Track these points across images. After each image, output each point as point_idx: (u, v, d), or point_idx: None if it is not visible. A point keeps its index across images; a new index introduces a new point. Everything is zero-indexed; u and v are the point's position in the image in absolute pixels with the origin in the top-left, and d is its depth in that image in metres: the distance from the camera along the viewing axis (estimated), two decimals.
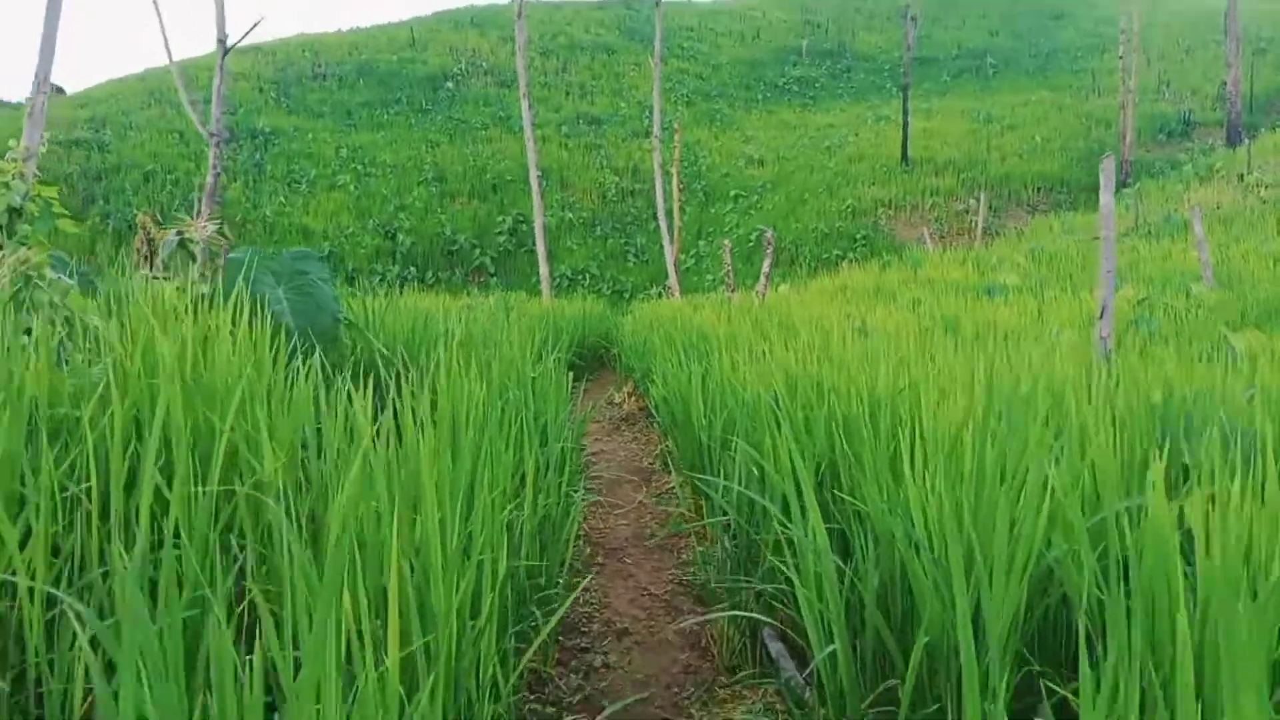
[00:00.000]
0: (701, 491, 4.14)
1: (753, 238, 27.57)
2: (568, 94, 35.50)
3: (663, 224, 17.43)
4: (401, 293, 23.19)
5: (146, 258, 16.25)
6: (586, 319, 11.62)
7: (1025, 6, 44.05)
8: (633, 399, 8.02)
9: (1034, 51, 38.96)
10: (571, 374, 10.71)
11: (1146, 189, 21.19)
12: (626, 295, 26.06)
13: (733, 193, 29.92)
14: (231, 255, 3.87)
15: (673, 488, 5.03)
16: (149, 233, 16.33)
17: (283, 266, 3.89)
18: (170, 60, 11.39)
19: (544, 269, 15.67)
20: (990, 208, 28.73)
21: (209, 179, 10.55)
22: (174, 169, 28.89)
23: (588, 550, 3.95)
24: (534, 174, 16.08)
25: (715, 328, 6.91)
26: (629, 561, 3.85)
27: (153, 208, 27.52)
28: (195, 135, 30.71)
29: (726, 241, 11.90)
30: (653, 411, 5.69)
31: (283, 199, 28.58)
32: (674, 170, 23.82)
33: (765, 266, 11.59)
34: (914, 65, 32.91)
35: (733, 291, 11.64)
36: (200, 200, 10.52)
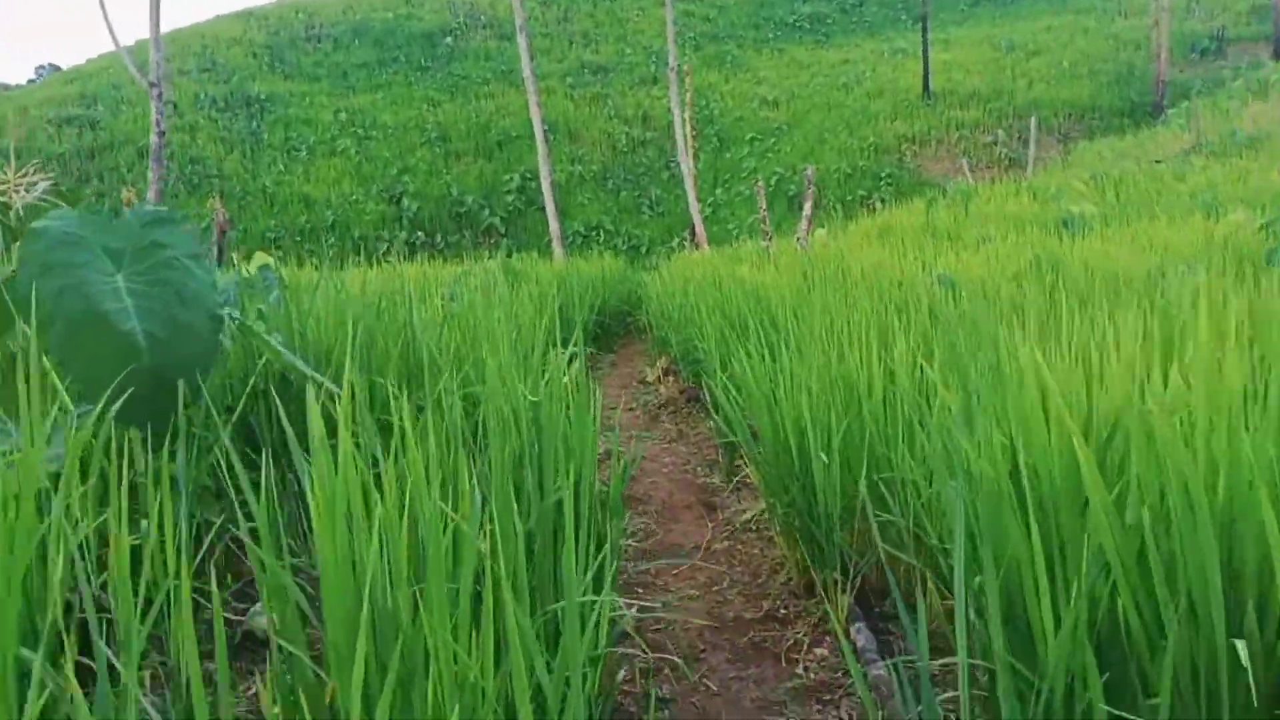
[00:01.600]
0: (817, 544, 2.63)
1: (773, 181, 25.81)
2: (570, 43, 33.58)
3: (685, 167, 15.78)
4: (412, 259, 21.69)
5: None
6: (606, 281, 10.03)
7: None
8: (671, 380, 6.47)
9: None
10: (593, 345, 9.17)
11: (1196, 108, 19.30)
12: (644, 249, 24.45)
13: (748, 136, 28.12)
14: (39, 223, 2.32)
15: (749, 520, 3.53)
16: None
17: (126, 238, 2.34)
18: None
19: (554, 226, 14.06)
20: (1020, 137, 26.84)
21: (153, 138, 8.98)
22: (169, 142, 27.20)
23: (635, 668, 2.42)
24: (537, 124, 14.42)
25: (773, 288, 5.34)
26: (712, 684, 2.34)
27: (147, 184, 25.96)
28: (190, 106, 29.18)
29: (759, 182, 10.28)
30: (710, 408, 4.18)
31: (282, 168, 26.99)
32: (686, 115, 22.12)
33: (807, 209, 9.98)
34: None
35: (769, 239, 10.04)
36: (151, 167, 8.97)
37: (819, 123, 27.82)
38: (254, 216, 25.30)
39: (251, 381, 2.48)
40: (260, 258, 5.34)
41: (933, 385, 2.55)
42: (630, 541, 3.38)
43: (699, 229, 15.16)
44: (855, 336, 3.09)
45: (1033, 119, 20.79)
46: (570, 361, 2.70)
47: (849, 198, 24.78)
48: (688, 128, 21.19)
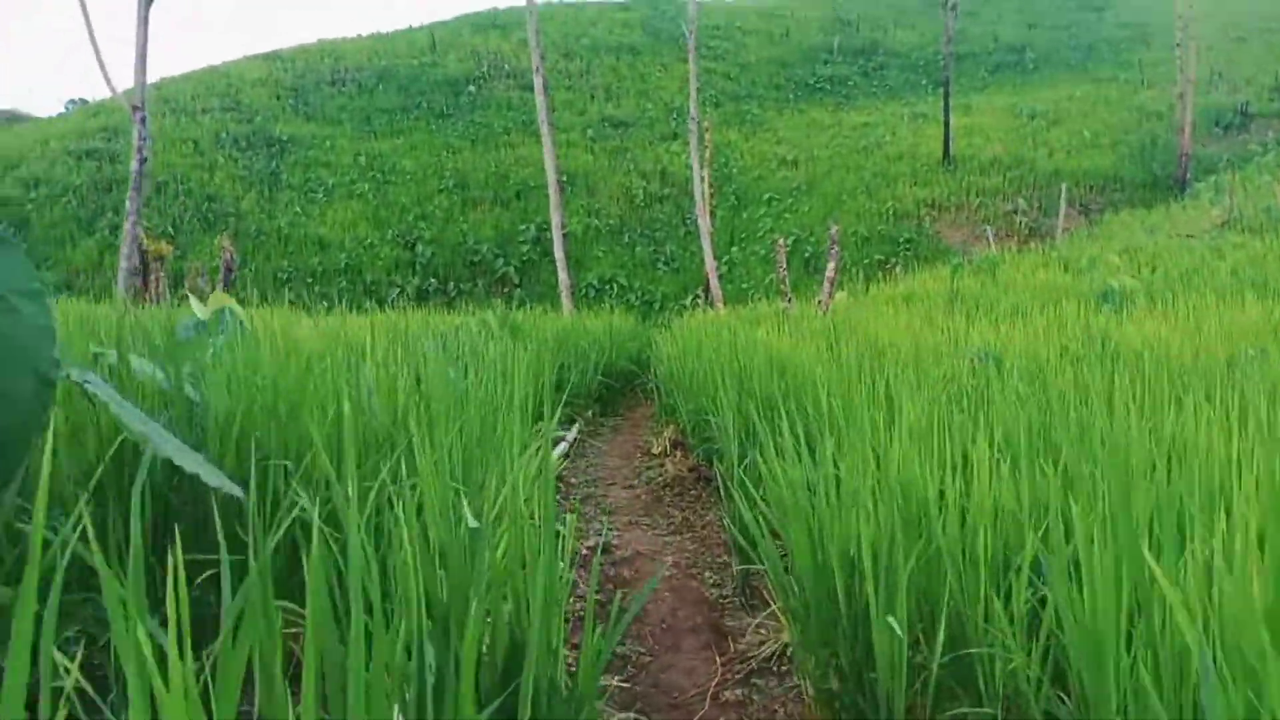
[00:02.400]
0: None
1: (790, 242, 25.28)
2: (592, 97, 33.37)
3: (702, 223, 15.23)
4: (422, 306, 21.16)
5: (138, 272, 13.50)
6: (615, 338, 9.41)
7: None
8: (679, 454, 5.81)
9: (1075, 44, 36.40)
10: (597, 406, 8.51)
11: (1226, 182, 18.73)
12: (657, 306, 23.90)
13: (766, 196, 27.69)
14: None
15: (769, 657, 2.84)
16: (142, 247, 13.49)
17: None
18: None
19: (563, 277, 13.47)
20: (1041, 206, 26.33)
21: (133, 164, 8.44)
22: (187, 179, 27.02)
23: None
24: (550, 170, 13.90)
25: (799, 358, 4.71)
26: None
27: (164, 220, 25.66)
28: (210, 145, 28.97)
29: (780, 240, 9.69)
30: (723, 495, 3.53)
31: (298, 209, 26.64)
32: (705, 172, 21.70)
33: (830, 270, 9.40)
34: (953, 60, 30.49)
35: (789, 300, 9.42)
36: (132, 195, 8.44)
37: (838, 184, 27.38)
38: (267, 256, 24.89)
39: (99, 469, 1.82)
40: (218, 299, 4.73)
41: (1033, 510, 1.89)
42: (615, 680, 2.69)
43: (714, 286, 14.58)
44: (907, 427, 2.44)
45: (1062, 187, 20.25)
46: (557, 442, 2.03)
47: (866, 261, 24.21)
48: (706, 184, 20.74)
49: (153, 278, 17.46)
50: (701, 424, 5.34)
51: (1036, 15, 39.81)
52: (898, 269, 20.02)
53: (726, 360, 5.27)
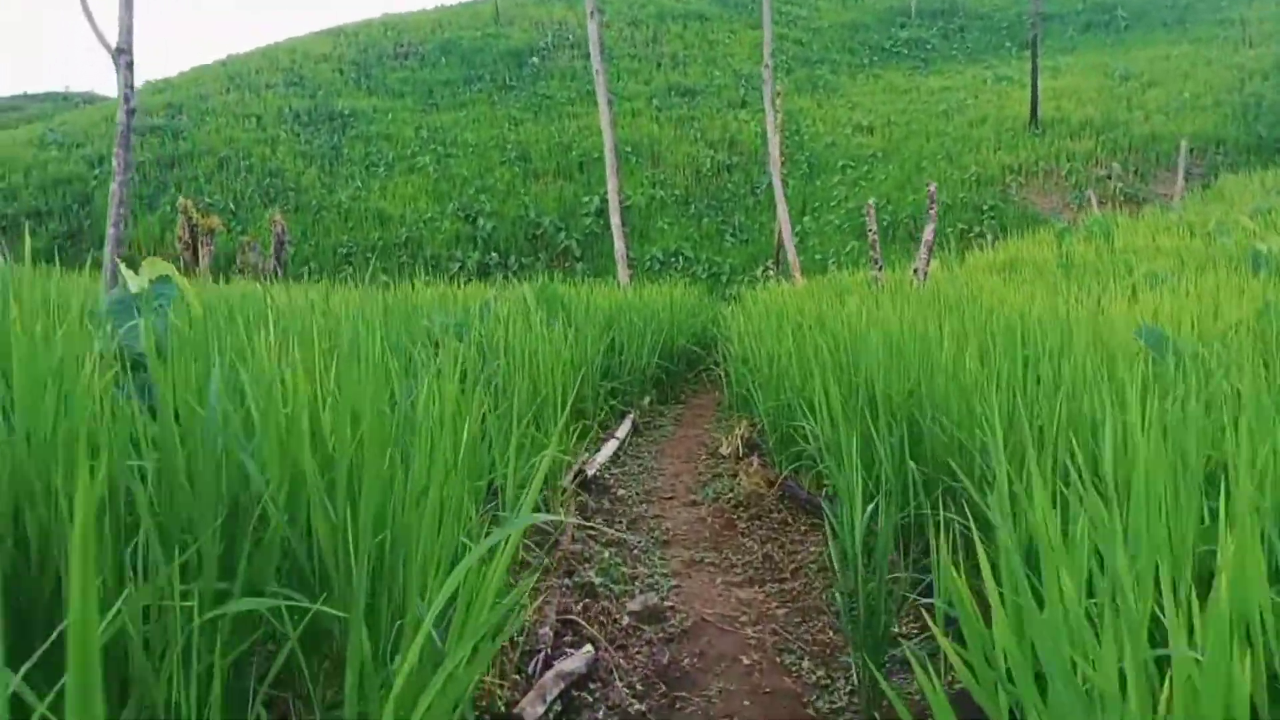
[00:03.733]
0: None
1: (864, 211, 23.67)
2: (659, 65, 31.93)
3: (777, 187, 13.81)
4: (483, 280, 20.14)
5: (188, 245, 12.40)
6: (675, 313, 8.10)
7: None
8: (756, 463, 4.53)
9: (1170, 2, 33.83)
10: (654, 392, 7.23)
11: None
12: (724, 278, 22.53)
13: (840, 163, 26.04)
14: None
15: None
16: (191, 221, 12.37)
17: None
18: None
19: (619, 245, 12.18)
20: (1138, 171, 24.28)
21: (120, 116, 7.38)
22: (249, 154, 26.35)
23: None
24: (606, 125, 12.60)
25: (947, 352, 3.40)
26: None
27: (225, 195, 25.02)
28: (273, 119, 28.29)
29: (870, 203, 8.32)
30: (827, 530, 2.30)
31: (359, 184, 25.80)
32: (778, 129, 20.22)
33: (928, 234, 8.01)
34: (1040, 17, 28.37)
35: (879, 269, 8.07)
36: (119, 148, 7.37)
37: (916, 151, 25.62)
38: (327, 231, 24.10)
39: None
40: (154, 266, 3.57)
41: None
42: None
43: (791, 254, 13.21)
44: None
45: (1181, 145, 18.28)
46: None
47: (948, 230, 22.52)
48: (779, 141, 19.30)
49: (204, 250, 16.69)
50: (785, 425, 4.08)
51: None
52: (984, 238, 18.39)
53: (821, 344, 3.97)
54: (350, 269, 22.92)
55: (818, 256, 21.68)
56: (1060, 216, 22.56)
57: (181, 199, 16.18)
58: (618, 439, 5.23)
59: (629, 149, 26.85)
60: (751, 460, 4.44)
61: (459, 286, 11.99)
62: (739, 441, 4.95)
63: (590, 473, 4.33)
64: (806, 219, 23.97)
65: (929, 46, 33.43)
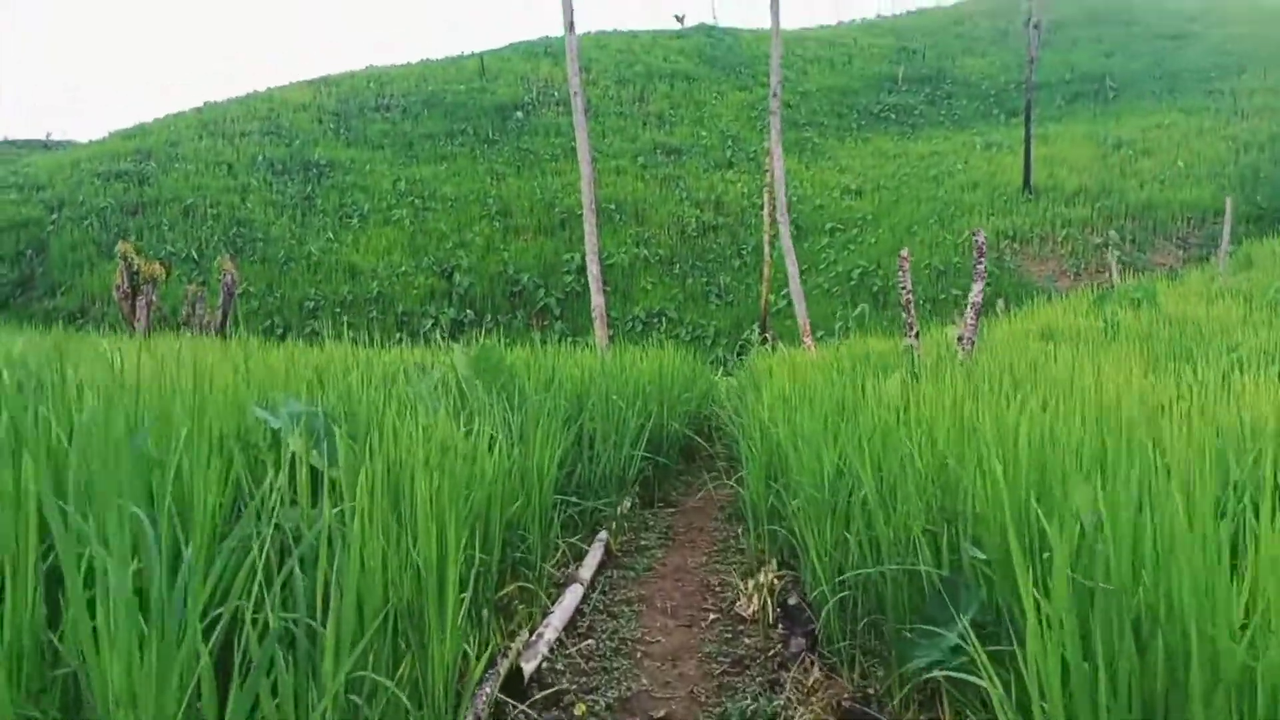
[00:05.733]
0: None
1: (855, 274, 22.27)
2: (644, 124, 30.71)
3: (784, 234, 12.25)
4: (457, 338, 18.54)
5: (127, 295, 10.16)
6: (666, 387, 6.39)
7: (1141, 29, 37.97)
8: (819, 676, 2.77)
9: (1158, 73, 32.98)
10: (638, 494, 5.39)
11: None
12: (709, 341, 20.98)
13: (828, 226, 24.68)
14: None
15: None
16: (132, 267, 10.07)
17: None
18: None
19: (597, 300, 10.51)
20: (1133, 240, 23.03)
21: None
22: (217, 202, 24.71)
23: None
24: (586, 163, 11.05)
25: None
26: None
27: (189, 243, 23.34)
28: (246, 167, 26.75)
29: (905, 252, 6.73)
30: None
31: (331, 235, 24.19)
32: (766, 199, 18.89)
33: (975, 295, 6.44)
34: (1025, 89, 27.38)
35: (914, 335, 6.46)
36: None
37: (908, 214, 24.32)
38: (293, 283, 22.43)
39: None
40: None
41: None
42: None
43: (801, 314, 11.63)
44: None
45: (1228, 201, 16.90)
46: None
47: (941, 296, 21.17)
48: (764, 214, 17.91)
49: (142, 301, 14.92)
50: (865, 597, 2.42)
51: (1113, 44, 36.41)
52: (996, 304, 16.91)
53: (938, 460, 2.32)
54: (315, 323, 21.25)
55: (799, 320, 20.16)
56: (1057, 284, 21.22)
57: (121, 244, 14.44)
58: (582, 583, 3.52)
59: (613, 206, 25.44)
60: (808, 665, 2.68)
61: (399, 347, 10.34)
62: (764, 591, 3.26)
63: (530, 667, 2.63)
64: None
65: (916, 113, 32.40)
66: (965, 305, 17.71)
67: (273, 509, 1.81)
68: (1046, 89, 32.53)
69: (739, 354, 19.93)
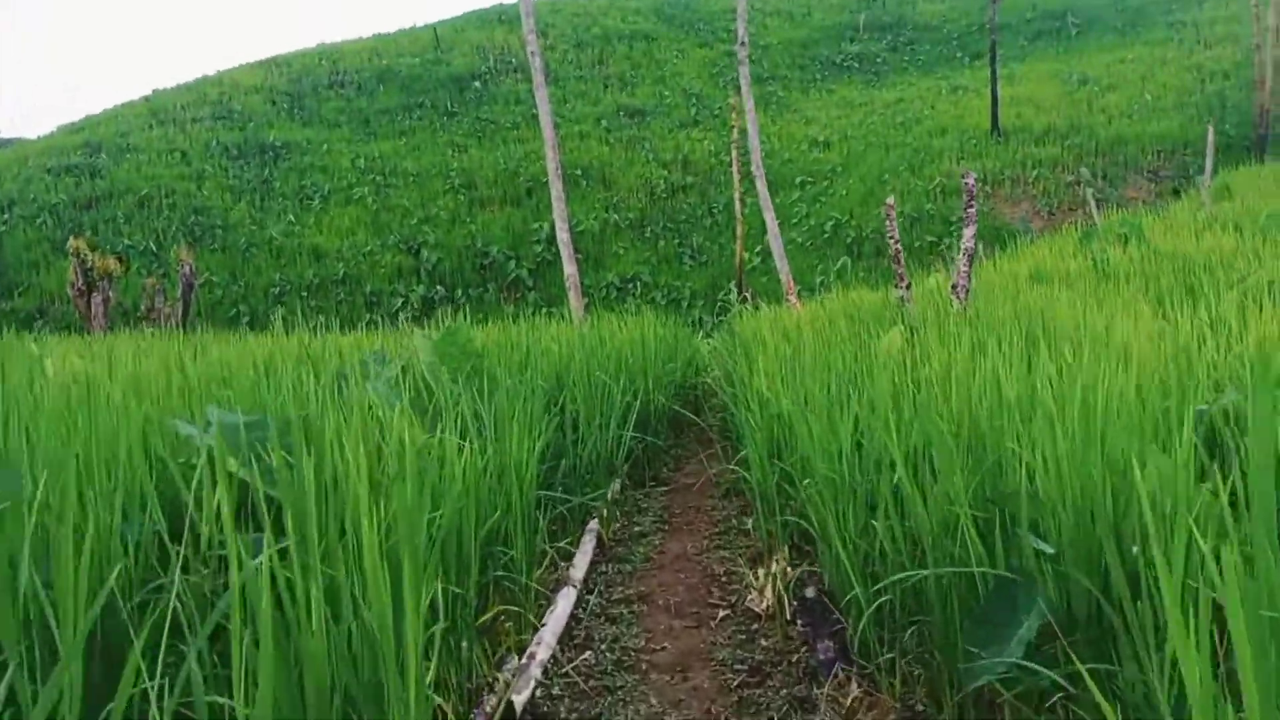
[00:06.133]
0: None
1: (828, 227, 21.90)
2: (606, 86, 30.04)
3: (761, 189, 11.82)
4: (429, 316, 18.17)
5: (82, 292, 9.52)
6: (650, 358, 5.99)
7: None
8: (858, 692, 2.40)
9: (1119, 7, 32.62)
10: (627, 473, 4.95)
11: None
12: (685, 304, 20.59)
13: (798, 179, 24.25)
14: None
15: None
16: (85, 263, 9.45)
17: None
18: None
19: (569, 269, 10.07)
20: (1104, 177, 22.78)
21: None
22: (172, 191, 23.93)
23: None
24: (548, 129, 10.57)
25: None
26: None
27: (146, 236, 22.61)
28: (199, 154, 25.91)
29: (890, 200, 6.37)
30: None
31: (292, 218, 23.51)
32: (734, 155, 18.51)
33: (967, 239, 6.09)
34: (987, 31, 26.93)
35: (906, 287, 6.13)
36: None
37: (877, 163, 23.92)
38: (257, 270, 21.80)
39: None
40: None
41: None
42: None
43: (784, 270, 11.25)
44: None
45: (1209, 128, 16.58)
46: None
47: (916, 244, 20.82)
48: (733, 172, 17.51)
49: (98, 298, 14.33)
50: (907, 600, 2.07)
51: None
52: (948, 251, 16.61)
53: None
54: (283, 309, 20.66)
55: (780, 277, 19.82)
56: (1031, 226, 20.96)
57: (72, 240, 13.85)
58: (574, 584, 3.15)
59: (579, 172, 24.88)
60: (843, 679, 2.31)
61: (368, 330, 9.89)
62: (780, 588, 2.91)
63: (522, 699, 2.27)
64: (767, 238, 22.08)
65: (879, 60, 31.90)
66: (942, 253, 17.36)
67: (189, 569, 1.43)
68: (1009, 29, 32.09)
69: (716, 315, 19.59)
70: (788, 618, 2.83)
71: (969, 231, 6.06)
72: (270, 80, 30.59)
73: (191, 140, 26.46)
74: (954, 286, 6.11)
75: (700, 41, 33.42)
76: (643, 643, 2.85)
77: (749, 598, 3.05)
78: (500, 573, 2.60)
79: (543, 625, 2.72)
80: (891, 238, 6.23)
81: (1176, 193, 21.04)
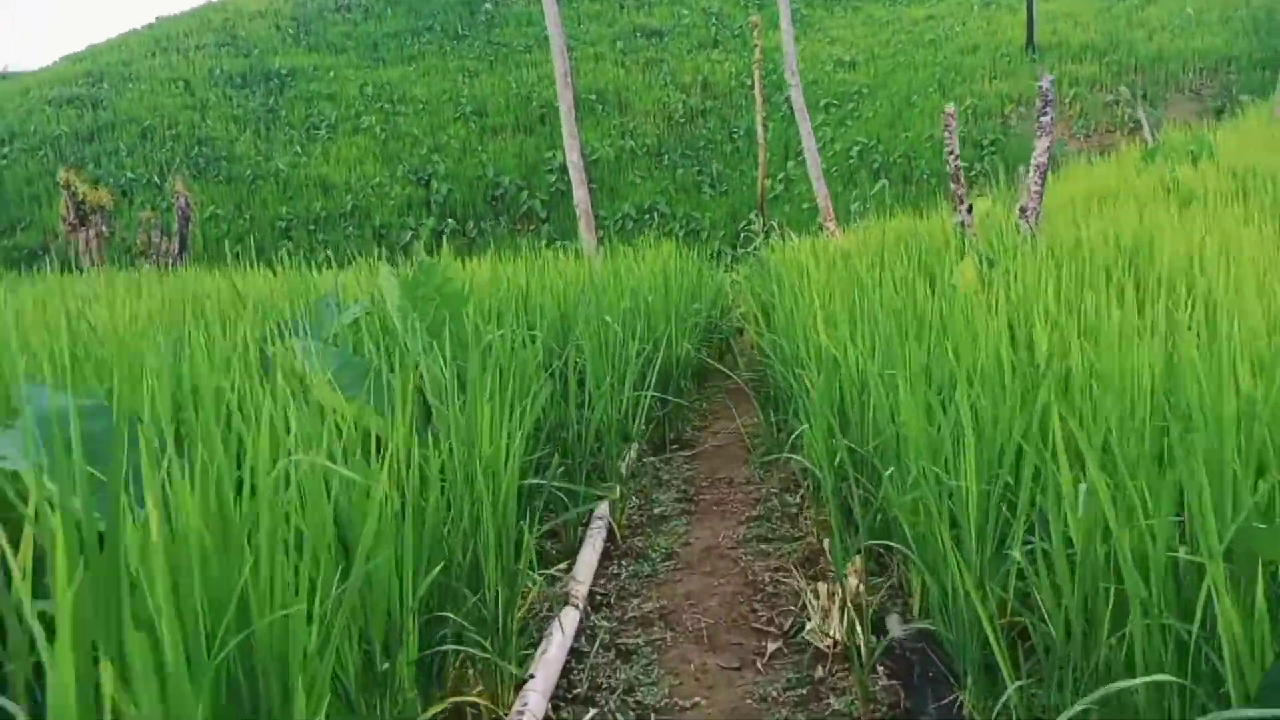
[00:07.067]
0: None
1: (854, 152, 20.76)
2: (622, 6, 28.63)
3: (797, 100, 10.80)
4: (438, 249, 17.45)
5: (74, 226, 8.79)
6: (671, 298, 5.15)
7: None
8: (912, 664, 1.68)
9: None
10: (645, 434, 4.10)
11: None
12: (704, 235, 19.63)
13: (823, 103, 22.98)
14: None
15: None
16: (76, 196, 8.77)
17: None
18: None
19: (580, 194, 9.15)
20: (1144, 96, 21.43)
21: None
22: (175, 122, 23.00)
23: None
24: (556, 39, 9.64)
25: None
26: None
27: (149, 168, 21.76)
28: (201, 83, 24.88)
29: (950, 109, 5.44)
30: None
31: (298, 149, 22.56)
32: (756, 76, 17.30)
33: (1039, 153, 5.22)
34: None
35: (967, 210, 5.27)
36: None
37: (905, 83, 22.64)
38: (263, 203, 20.95)
39: None
40: None
41: None
42: None
43: (823, 195, 10.29)
44: None
45: None
46: None
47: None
48: (756, 93, 16.37)
49: (91, 233, 13.57)
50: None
51: None
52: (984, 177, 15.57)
53: None
54: (289, 243, 19.84)
55: (805, 205, 18.81)
56: (1067, 148, 19.77)
57: (63, 171, 13.05)
58: (577, 603, 2.40)
59: (593, 96, 23.71)
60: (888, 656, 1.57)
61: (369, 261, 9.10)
62: (853, 614, 2.16)
63: None
64: (790, 164, 21.01)
65: None
66: (975, 177, 15.91)
67: None
68: None
69: (737, 246, 18.64)
70: (862, 660, 2.06)
71: (1042, 144, 5.16)
72: (275, 4, 29.32)
73: (195, 68, 25.40)
74: (1022, 209, 5.23)
75: None
76: (666, 694, 2.10)
77: (807, 625, 2.28)
78: (457, 626, 1.82)
79: (528, 680, 1.97)
80: (950, 152, 5.35)
81: (1219, 113, 19.76)
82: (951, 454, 1.84)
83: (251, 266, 6.59)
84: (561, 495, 2.94)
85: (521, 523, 2.13)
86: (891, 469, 2.13)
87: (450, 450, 1.90)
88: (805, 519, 3.01)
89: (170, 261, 13.14)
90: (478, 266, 5.31)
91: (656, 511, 3.43)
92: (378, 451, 1.76)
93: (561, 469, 3.00)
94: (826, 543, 2.68)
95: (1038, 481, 1.66)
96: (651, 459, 4.10)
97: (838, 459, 2.53)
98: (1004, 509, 1.74)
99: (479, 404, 1.99)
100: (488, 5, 28.54)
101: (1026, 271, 3.41)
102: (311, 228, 20.43)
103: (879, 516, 2.33)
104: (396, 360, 2.35)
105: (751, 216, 17.21)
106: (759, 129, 16.69)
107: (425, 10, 28.60)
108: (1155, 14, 24.02)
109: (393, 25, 27.89)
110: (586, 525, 3.01)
